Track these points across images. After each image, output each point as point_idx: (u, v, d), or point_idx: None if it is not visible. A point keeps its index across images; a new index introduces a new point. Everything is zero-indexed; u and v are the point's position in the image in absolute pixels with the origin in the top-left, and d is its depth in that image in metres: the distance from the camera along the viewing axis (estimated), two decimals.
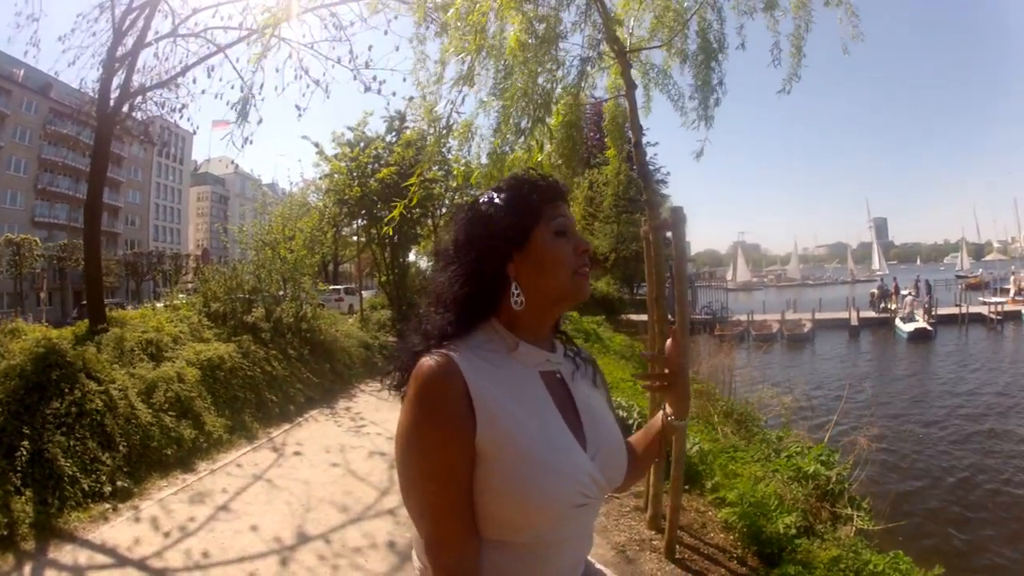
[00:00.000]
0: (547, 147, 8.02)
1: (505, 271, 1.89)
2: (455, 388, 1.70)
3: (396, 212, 8.34)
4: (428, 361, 1.74)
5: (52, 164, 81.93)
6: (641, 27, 8.27)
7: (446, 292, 1.92)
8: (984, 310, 51.17)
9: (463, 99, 7.50)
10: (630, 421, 9.31)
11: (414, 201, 8.40)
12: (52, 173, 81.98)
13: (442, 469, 1.68)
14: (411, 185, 8.06)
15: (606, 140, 9.23)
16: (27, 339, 9.40)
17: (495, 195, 1.97)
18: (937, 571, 6.81)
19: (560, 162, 8.12)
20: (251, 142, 11.82)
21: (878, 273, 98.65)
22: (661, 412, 2.39)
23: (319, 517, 7.76)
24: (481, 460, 1.70)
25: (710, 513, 7.64)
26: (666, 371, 2.29)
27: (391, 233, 22.93)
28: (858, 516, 8.51)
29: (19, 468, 7.42)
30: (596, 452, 1.90)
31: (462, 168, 8.64)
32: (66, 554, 6.65)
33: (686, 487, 7.63)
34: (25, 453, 7.59)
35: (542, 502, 1.70)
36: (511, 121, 7.22)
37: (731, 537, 6.99)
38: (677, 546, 6.55)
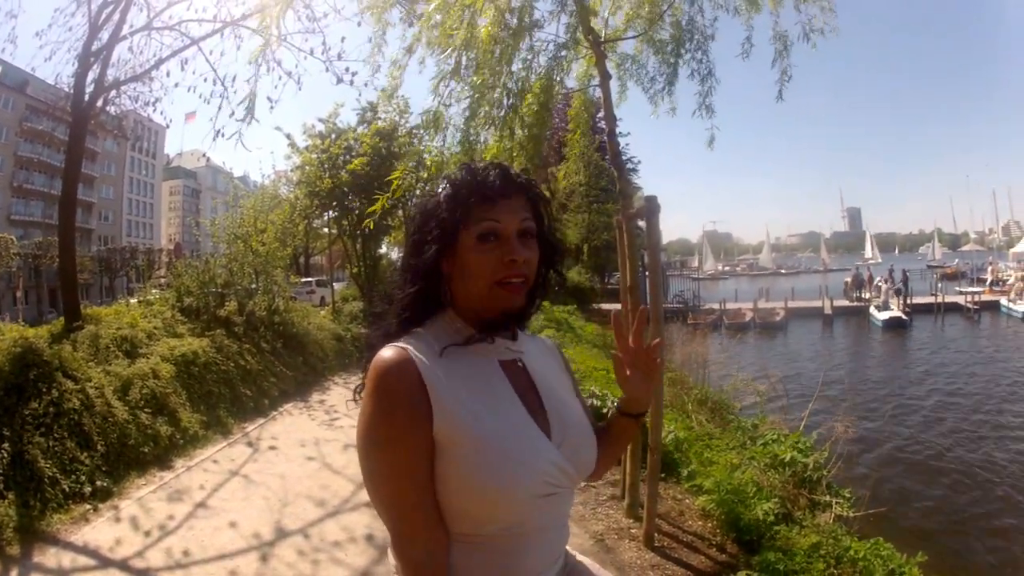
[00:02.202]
0: (517, 133, 8.01)
1: (440, 268, 1.88)
2: (409, 380, 1.70)
3: (378, 206, 8.37)
4: (384, 353, 1.74)
5: (28, 161, 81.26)
6: (616, 17, 8.32)
7: (398, 287, 1.94)
8: (961, 300, 51.36)
9: (449, 93, 7.55)
10: (604, 410, 9.31)
11: (397, 194, 8.44)
12: (28, 170, 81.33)
13: (401, 464, 1.68)
14: (395, 178, 8.11)
15: (569, 127, 9.26)
16: (4, 339, 9.31)
17: (440, 189, 1.95)
18: (920, 558, 6.84)
19: (528, 145, 8.13)
20: (223, 135, 11.80)
21: (871, 262, 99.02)
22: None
23: (297, 512, 7.76)
24: (440, 452, 1.70)
25: (687, 501, 7.67)
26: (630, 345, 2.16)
27: (372, 227, 23.01)
28: (837, 503, 8.55)
29: (0, 471, 7.39)
30: (562, 440, 1.89)
31: (434, 158, 8.62)
32: (50, 557, 6.62)
33: (662, 475, 7.63)
34: (6, 456, 7.54)
35: (504, 493, 1.70)
36: (482, 113, 7.27)
37: (709, 524, 7.01)
38: (656, 534, 6.56)
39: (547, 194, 2.01)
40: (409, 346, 1.76)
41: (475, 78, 7.12)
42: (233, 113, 12.12)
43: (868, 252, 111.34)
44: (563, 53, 8.07)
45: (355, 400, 1.87)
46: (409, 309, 1.90)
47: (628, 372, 2.19)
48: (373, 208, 8.57)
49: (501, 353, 1.93)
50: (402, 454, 1.67)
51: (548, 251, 1.97)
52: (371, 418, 1.70)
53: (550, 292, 2.10)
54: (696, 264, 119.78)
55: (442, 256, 1.86)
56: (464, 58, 7.19)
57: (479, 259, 1.80)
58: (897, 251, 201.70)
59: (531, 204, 1.93)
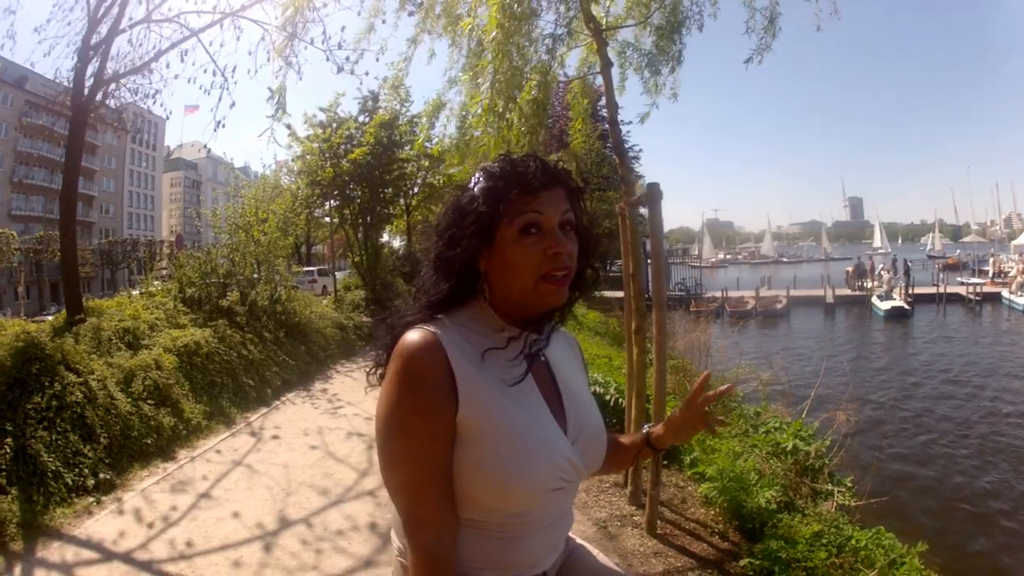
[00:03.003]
0: (515, 124, 8.01)
1: (476, 265, 1.84)
2: (437, 365, 1.69)
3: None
4: (411, 336, 1.73)
5: (28, 156, 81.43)
6: (617, 5, 8.31)
7: (427, 276, 1.91)
8: (962, 291, 51.42)
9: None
10: (607, 397, 9.36)
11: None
12: (28, 166, 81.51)
13: (422, 448, 1.68)
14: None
15: (570, 115, 9.27)
16: (6, 334, 9.29)
17: (474, 183, 1.88)
18: (920, 547, 6.84)
19: (525, 140, 8.11)
20: (223, 125, 11.79)
21: (881, 251, 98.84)
22: (645, 430, 2.37)
23: (300, 501, 7.76)
24: (461, 439, 1.70)
25: (690, 488, 7.69)
26: (704, 406, 2.23)
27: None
28: (838, 491, 8.55)
29: (3, 466, 7.37)
30: (577, 436, 1.91)
31: (436, 145, 8.64)
32: (54, 552, 6.59)
33: (665, 462, 7.68)
34: (9, 450, 7.52)
35: (518, 484, 1.71)
36: (489, 104, 7.28)
37: (712, 512, 7.01)
38: (658, 521, 6.59)
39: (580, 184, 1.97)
40: (438, 331, 1.75)
41: (496, 62, 7.14)
42: (234, 104, 12.14)
43: (877, 241, 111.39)
44: (559, 45, 8.07)
45: (370, 383, 1.90)
46: (439, 305, 1.87)
47: (680, 415, 2.26)
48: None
49: (526, 346, 1.90)
50: (423, 439, 1.68)
51: (584, 243, 1.94)
52: (395, 400, 1.70)
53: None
54: (696, 252, 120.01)
55: (479, 252, 1.83)
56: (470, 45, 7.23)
57: (522, 252, 1.78)
58: (900, 241, 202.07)
59: (568, 196, 1.89)
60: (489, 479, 1.70)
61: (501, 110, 7.20)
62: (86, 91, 13.17)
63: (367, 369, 1.93)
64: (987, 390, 23.95)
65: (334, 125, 25.70)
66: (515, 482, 1.70)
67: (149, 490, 8.21)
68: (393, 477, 1.76)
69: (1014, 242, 72.61)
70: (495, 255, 1.81)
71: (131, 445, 9.08)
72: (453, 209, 1.88)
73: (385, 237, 30.12)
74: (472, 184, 1.88)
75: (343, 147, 24.83)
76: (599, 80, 7.95)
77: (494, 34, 6.62)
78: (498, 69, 6.99)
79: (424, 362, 1.69)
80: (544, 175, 1.83)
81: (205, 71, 13.71)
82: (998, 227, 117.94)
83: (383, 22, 8.02)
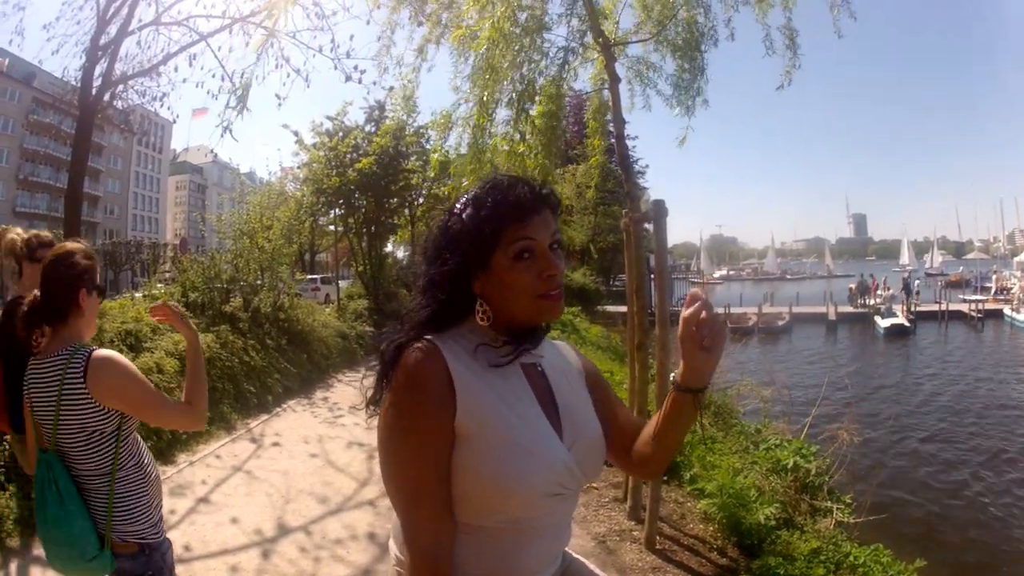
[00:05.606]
0: (528, 139, 8.00)
1: (471, 288, 1.89)
2: (436, 372, 1.75)
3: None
4: (412, 348, 1.77)
5: (34, 154, 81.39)
6: (628, 20, 8.34)
7: (422, 296, 1.92)
8: (965, 308, 51.28)
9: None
10: None
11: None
12: (34, 163, 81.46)
13: (421, 453, 1.73)
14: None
15: (587, 132, 9.25)
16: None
17: (464, 207, 1.90)
18: (918, 564, 6.84)
19: (539, 151, 8.10)
20: (231, 130, 11.79)
21: (908, 267, 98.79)
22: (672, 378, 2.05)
23: (299, 508, 7.75)
24: (461, 442, 1.75)
25: (689, 504, 7.68)
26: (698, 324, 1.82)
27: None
28: (837, 509, 8.55)
29: (2, 463, 7.34)
30: (573, 444, 1.92)
31: (439, 158, 8.59)
32: None
33: (665, 478, 7.66)
34: (7, 448, 7.41)
35: (518, 485, 1.75)
36: (487, 110, 7.27)
37: (711, 528, 7.02)
38: (657, 537, 6.58)
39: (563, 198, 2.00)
40: (437, 343, 1.80)
41: (486, 75, 7.14)
42: (235, 106, 12.19)
43: (904, 258, 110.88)
44: (571, 58, 8.07)
45: (368, 411, 1.92)
46: (434, 320, 1.89)
47: (700, 338, 1.85)
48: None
49: (523, 357, 1.95)
50: (423, 442, 1.73)
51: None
52: (395, 409, 1.76)
53: None
54: (694, 268, 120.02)
55: (474, 275, 1.87)
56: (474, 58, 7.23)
57: (517, 277, 1.82)
58: (906, 258, 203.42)
59: (553, 216, 1.93)
60: (488, 480, 1.74)
61: (507, 117, 7.24)
62: (94, 91, 13.20)
63: (365, 398, 1.94)
64: (985, 408, 23.96)
65: (340, 134, 25.67)
66: (513, 484, 1.74)
67: None
68: (393, 480, 1.81)
69: (1016, 258, 72.49)
70: (491, 279, 1.86)
71: None
72: (442, 233, 1.93)
73: (389, 247, 30.09)
74: (460, 209, 1.91)
75: (349, 156, 24.76)
76: (607, 94, 7.97)
77: (484, 48, 6.67)
78: (485, 82, 7.03)
79: (423, 368, 1.74)
80: (535, 200, 1.88)
81: (213, 76, 13.74)
82: (1001, 243, 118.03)
83: (392, 33, 8.02)
